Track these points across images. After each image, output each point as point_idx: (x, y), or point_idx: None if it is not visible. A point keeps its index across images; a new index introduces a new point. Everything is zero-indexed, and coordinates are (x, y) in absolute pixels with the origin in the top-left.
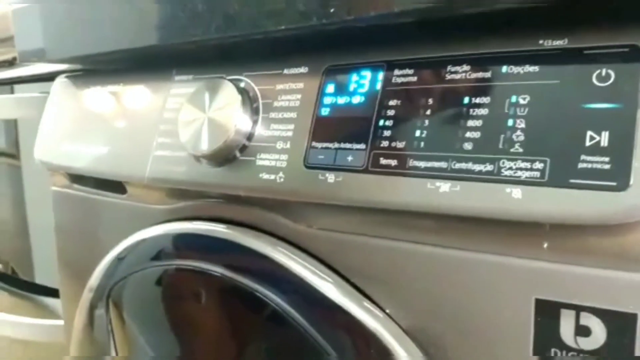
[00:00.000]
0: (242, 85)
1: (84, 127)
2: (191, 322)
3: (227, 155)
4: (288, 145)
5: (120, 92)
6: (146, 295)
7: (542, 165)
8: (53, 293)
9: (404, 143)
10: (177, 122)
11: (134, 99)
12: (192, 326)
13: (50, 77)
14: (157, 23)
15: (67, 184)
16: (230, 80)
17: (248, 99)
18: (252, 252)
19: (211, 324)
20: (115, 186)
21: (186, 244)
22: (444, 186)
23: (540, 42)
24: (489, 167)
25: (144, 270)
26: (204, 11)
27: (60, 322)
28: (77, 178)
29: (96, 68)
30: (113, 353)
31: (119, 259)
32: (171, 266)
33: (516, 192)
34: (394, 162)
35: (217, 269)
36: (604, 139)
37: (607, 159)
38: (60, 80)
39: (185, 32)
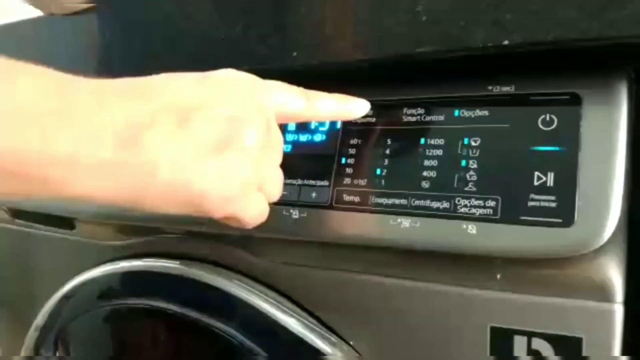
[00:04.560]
0: None
1: None
2: None
3: None
4: None
5: None
6: (96, 335)
7: (494, 203)
8: None
9: (365, 181)
10: None
11: None
12: None
13: None
14: None
15: (8, 219)
16: None
17: None
18: (209, 287)
19: None
20: (63, 222)
21: (138, 282)
22: (405, 222)
23: (489, 88)
24: (446, 205)
25: (94, 310)
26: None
27: None
28: (20, 213)
29: None
30: None
31: (67, 297)
32: (123, 305)
33: (471, 227)
34: (357, 199)
35: (172, 307)
36: (550, 179)
37: (553, 198)
38: None
39: None
